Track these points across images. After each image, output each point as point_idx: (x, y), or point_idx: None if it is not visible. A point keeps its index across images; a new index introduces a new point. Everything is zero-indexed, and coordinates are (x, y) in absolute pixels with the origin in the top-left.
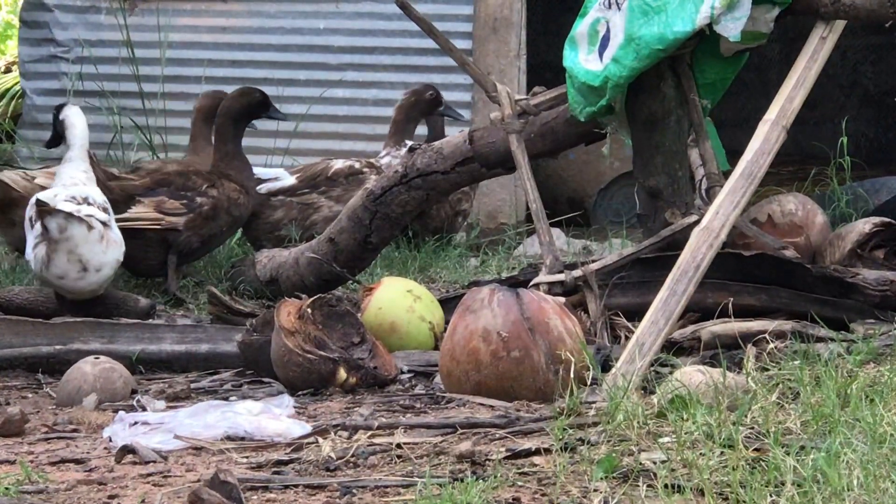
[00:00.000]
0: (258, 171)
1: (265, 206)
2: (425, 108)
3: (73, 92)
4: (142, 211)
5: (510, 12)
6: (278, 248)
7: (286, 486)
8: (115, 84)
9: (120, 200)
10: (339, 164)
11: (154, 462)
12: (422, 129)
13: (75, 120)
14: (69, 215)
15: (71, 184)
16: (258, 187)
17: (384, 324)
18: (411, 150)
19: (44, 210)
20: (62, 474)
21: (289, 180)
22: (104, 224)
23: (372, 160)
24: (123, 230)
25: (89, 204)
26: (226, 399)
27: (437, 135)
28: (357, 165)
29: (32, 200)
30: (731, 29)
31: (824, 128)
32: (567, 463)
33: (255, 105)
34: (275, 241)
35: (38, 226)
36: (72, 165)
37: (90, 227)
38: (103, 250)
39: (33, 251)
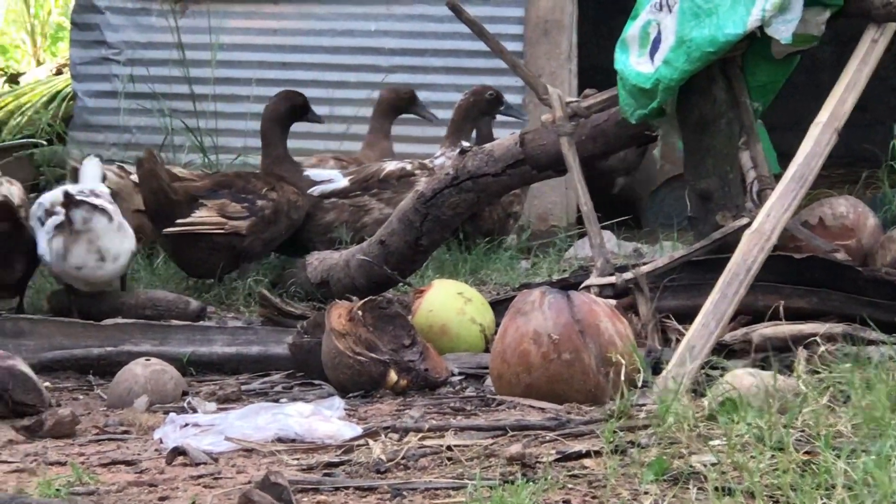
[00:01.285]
0: (311, 173)
1: (318, 207)
2: (485, 108)
3: (123, 94)
4: (205, 215)
5: (561, 15)
6: (329, 250)
7: (336, 488)
8: (166, 86)
9: (182, 202)
10: (391, 166)
11: (205, 464)
12: None
13: None
14: (93, 206)
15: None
16: (311, 189)
17: (435, 326)
18: (462, 152)
19: (71, 201)
20: (113, 476)
21: (342, 182)
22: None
23: (425, 161)
24: (188, 235)
25: (97, 196)
26: (276, 401)
27: (484, 137)
28: (409, 167)
29: (46, 197)
30: (783, 31)
31: (875, 130)
32: (617, 465)
33: (297, 108)
34: (327, 243)
35: (53, 219)
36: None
37: (111, 219)
38: (121, 240)
39: (48, 245)
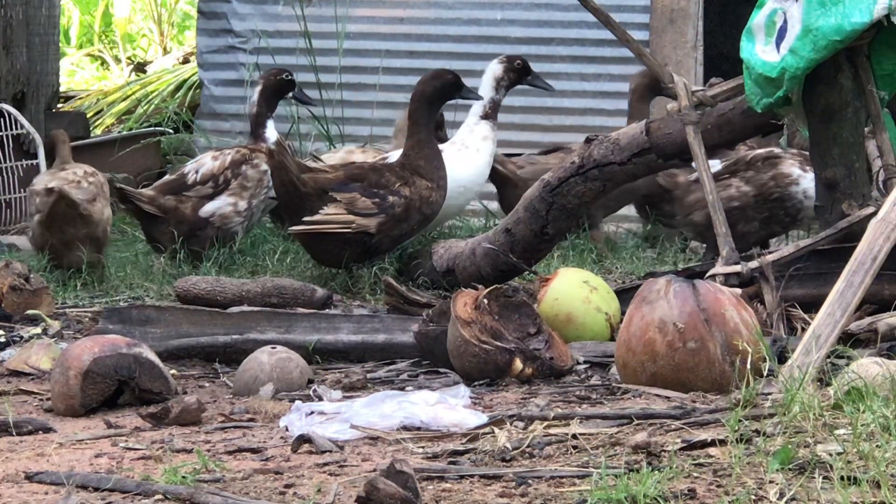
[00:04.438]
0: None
1: (687, 190)
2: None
3: (250, 82)
4: (333, 213)
5: (687, 3)
6: (454, 239)
7: (462, 477)
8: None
9: (312, 194)
10: (760, 150)
11: (330, 452)
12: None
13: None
14: None
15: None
16: (690, 175)
17: (560, 314)
18: (588, 140)
19: None
20: (239, 463)
21: (716, 168)
22: None
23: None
24: (315, 234)
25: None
26: (402, 389)
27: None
28: (777, 150)
29: None
30: None
31: None
32: (743, 454)
33: (448, 87)
34: (691, 227)
35: None
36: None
37: None
38: None
39: None
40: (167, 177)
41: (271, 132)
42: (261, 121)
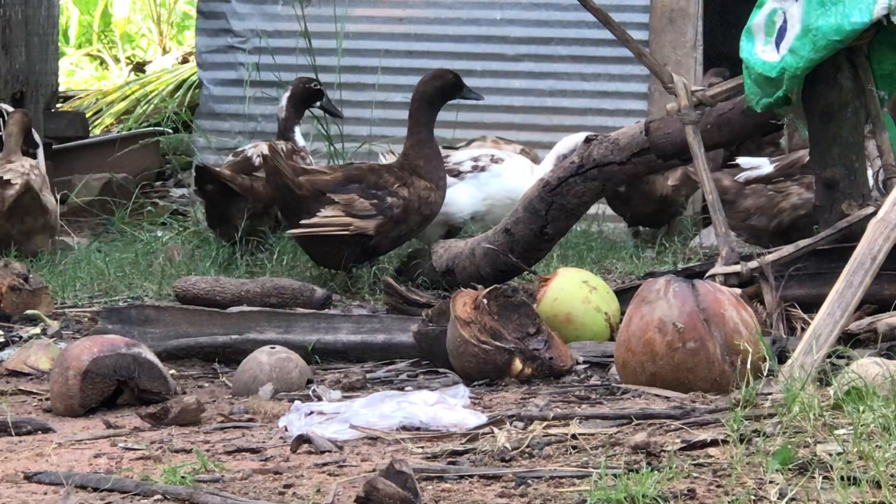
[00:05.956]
0: (741, 161)
1: (738, 194)
2: None
3: (249, 82)
4: (331, 215)
5: (687, 3)
6: (454, 238)
7: (461, 477)
8: (292, 74)
9: (310, 196)
10: None
11: (329, 452)
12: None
13: None
14: None
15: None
16: (737, 176)
17: (560, 314)
18: (588, 140)
19: None
20: (238, 463)
21: (767, 169)
22: None
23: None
24: (313, 236)
25: None
26: (401, 389)
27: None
28: None
29: None
30: None
31: None
32: (743, 454)
33: (448, 87)
34: (747, 231)
35: None
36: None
37: None
38: None
39: None
40: (231, 158)
41: (299, 137)
42: (289, 125)
